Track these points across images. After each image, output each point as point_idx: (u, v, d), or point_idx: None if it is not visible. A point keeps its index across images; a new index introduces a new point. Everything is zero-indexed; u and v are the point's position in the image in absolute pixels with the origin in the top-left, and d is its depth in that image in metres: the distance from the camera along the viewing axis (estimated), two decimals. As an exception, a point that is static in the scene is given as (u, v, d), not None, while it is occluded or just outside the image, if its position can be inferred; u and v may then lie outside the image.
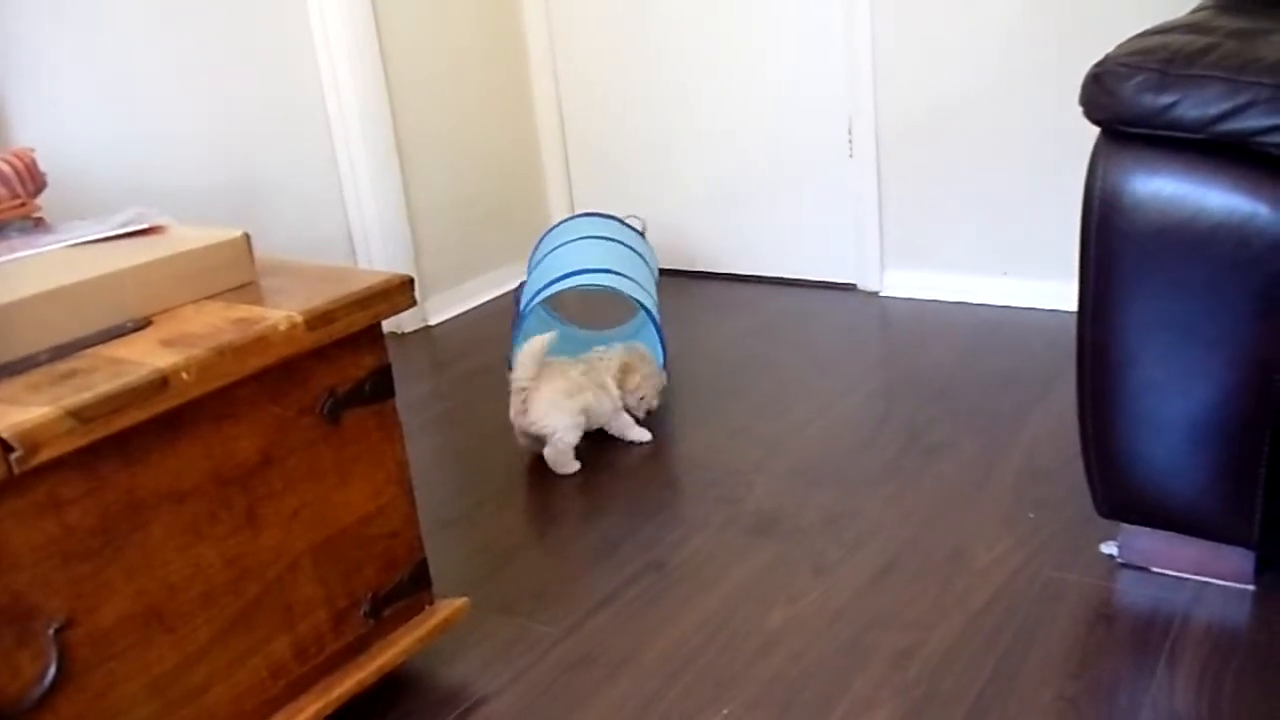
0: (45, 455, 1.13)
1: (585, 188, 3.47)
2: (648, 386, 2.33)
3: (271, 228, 2.75)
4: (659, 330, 2.42)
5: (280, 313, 1.36)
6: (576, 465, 2.22)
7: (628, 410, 2.33)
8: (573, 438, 2.19)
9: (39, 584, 1.17)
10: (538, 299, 2.37)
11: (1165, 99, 1.46)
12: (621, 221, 2.74)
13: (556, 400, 2.17)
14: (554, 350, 2.24)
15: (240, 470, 1.36)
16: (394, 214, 2.98)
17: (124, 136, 2.45)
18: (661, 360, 2.42)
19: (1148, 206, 1.51)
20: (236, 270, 1.48)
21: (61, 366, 1.25)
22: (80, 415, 1.16)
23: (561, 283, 2.35)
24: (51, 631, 1.19)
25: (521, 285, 2.64)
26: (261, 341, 1.32)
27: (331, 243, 2.94)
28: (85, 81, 2.37)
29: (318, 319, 1.37)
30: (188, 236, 1.50)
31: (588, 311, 2.89)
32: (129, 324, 1.36)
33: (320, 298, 1.40)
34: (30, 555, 1.16)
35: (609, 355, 2.32)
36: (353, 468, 1.48)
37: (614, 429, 2.31)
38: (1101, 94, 1.51)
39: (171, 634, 1.31)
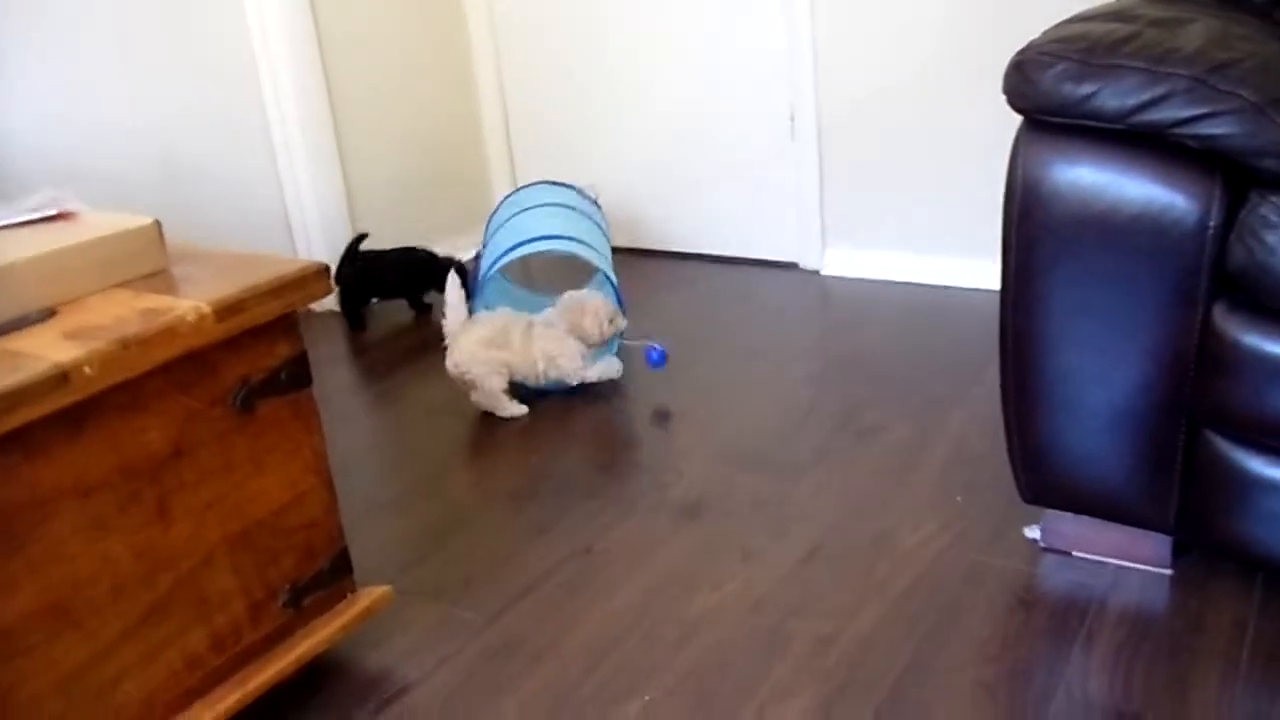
0: (-62, 453, 1.11)
1: (527, 164, 3.44)
2: (605, 316, 2.37)
3: (206, 209, 2.71)
4: (618, 294, 2.45)
5: (188, 303, 1.33)
6: (520, 409, 2.34)
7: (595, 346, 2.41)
8: (495, 383, 2.31)
9: (-65, 583, 1.15)
10: (500, 263, 2.39)
11: (1085, 89, 1.46)
12: (578, 190, 2.76)
13: (474, 349, 2.30)
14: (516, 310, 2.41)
15: (150, 462, 1.34)
16: (331, 192, 2.94)
17: (54, 117, 2.40)
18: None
19: (1067, 196, 1.51)
20: (147, 258, 1.46)
21: (-40, 360, 1.23)
22: (-25, 411, 1.13)
23: (523, 248, 2.39)
24: (-50, 630, 1.17)
25: (478, 255, 2.66)
26: (168, 333, 1.29)
27: (268, 222, 2.90)
28: (14, 61, 2.31)
29: (227, 309, 1.35)
30: (97, 223, 1.47)
31: (541, 278, 2.89)
32: (33, 314, 1.33)
33: (231, 287, 1.38)
34: (-75, 554, 1.14)
35: (559, 313, 2.37)
36: (268, 458, 1.47)
37: (587, 378, 2.40)
38: (1023, 83, 1.51)
39: (79, 629, 1.29)
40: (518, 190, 2.81)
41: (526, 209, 2.62)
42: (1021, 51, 1.51)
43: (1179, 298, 1.48)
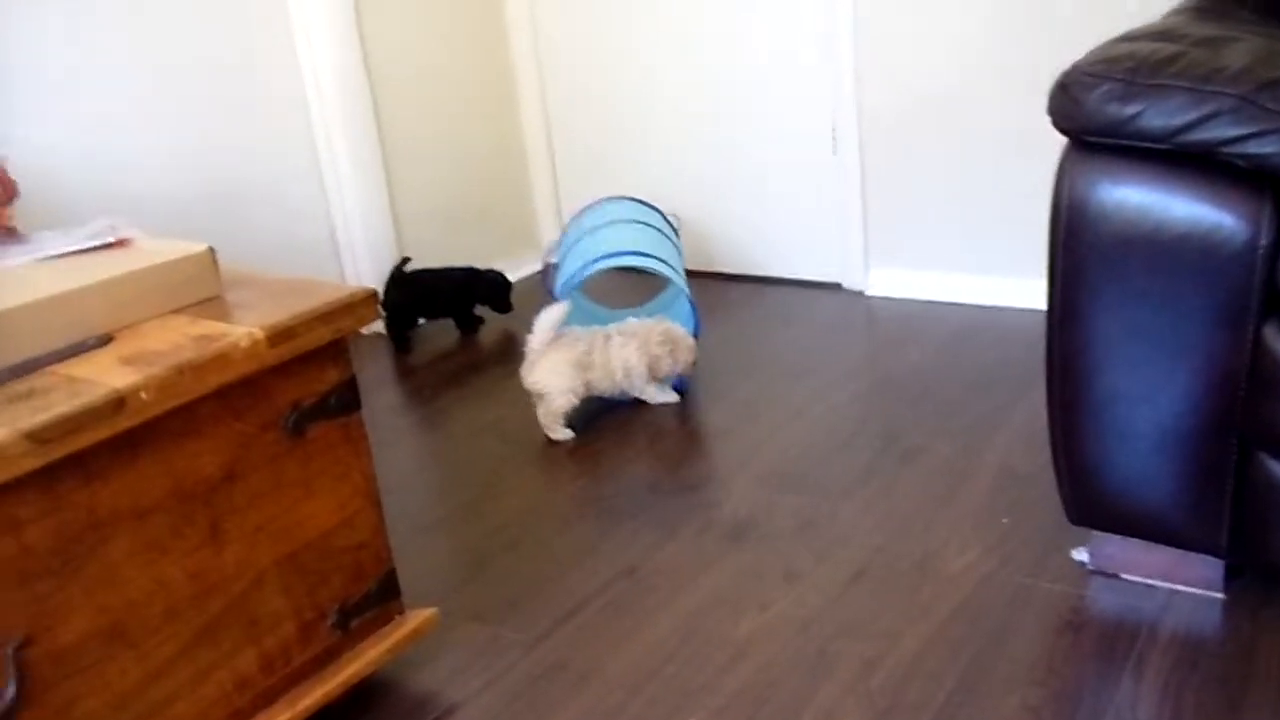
0: (0, 477, 1.14)
1: (571, 189, 3.46)
2: (684, 360, 2.45)
3: (255, 231, 2.75)
4: (695, 310, 2.52)
5: (242, 329, 1.36)
6: (567, 434, 2.37)
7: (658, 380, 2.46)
8: (563, 402, 2.35)
9: (-3, 604, 1.18)
10: (589, 270, 2.46)
11: (1130, 109, 1.45)
12: (662, 213, 2.86)
13: (558, 366, 2.34)
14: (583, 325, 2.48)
15: (203, 486, 1.36)
16: (378, 216, 2.98)
17: (105, 142, 2.45)
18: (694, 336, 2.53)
19: (1114, 216, 1.50)
20: (201, 284, 1.49)
21: (20, 386, 1.26)
22: (36, 437, 1.16)
23: (611, 260, 2.47)
24: (10, 650, 1.20)
25: (548, 267, 2.71)
26: (222, 359, 1.32)
27: (315, 245, 2.94)
28: (68, 87, 2.37)
29: (279, 335, 1.37)
30: (153, 250, 1.50)
31: (612, 294, 2.93)
32: (91, 340, 1.36)
33: (283, 312, 1.40)
34: (-13, 576, 1.17)
35: (645, 328, 2.42)
36: (318, 481, 1.49)
37: (645, 396, 2.47)
38: (1067, 103, 1.50)
39: (134, 650, 1.32)
40: (601, 201, 2.88)
41: (613, 222, 2.70)
42: (1066, 73, 1.51)
43: (1228, 318, 1.46)
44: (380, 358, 2.91)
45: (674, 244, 2.75)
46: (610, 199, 2.90)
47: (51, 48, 2.34)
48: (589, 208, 2.87)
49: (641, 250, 2.53)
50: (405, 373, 2.82)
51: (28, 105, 2.31)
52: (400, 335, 2.93)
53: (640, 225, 2.71)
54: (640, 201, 2.90)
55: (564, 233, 2.89)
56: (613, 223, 2.70)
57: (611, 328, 2.44)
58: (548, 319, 2.36)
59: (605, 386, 2.41)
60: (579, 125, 3.39)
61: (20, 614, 1.20)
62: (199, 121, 2.63)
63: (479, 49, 3.27)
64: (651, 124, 3.25)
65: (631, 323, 2.45)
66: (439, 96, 3.16)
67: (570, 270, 2.55)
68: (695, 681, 1.59)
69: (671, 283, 2.59)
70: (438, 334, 3.03)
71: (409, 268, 2.90)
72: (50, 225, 1.70)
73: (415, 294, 2.92)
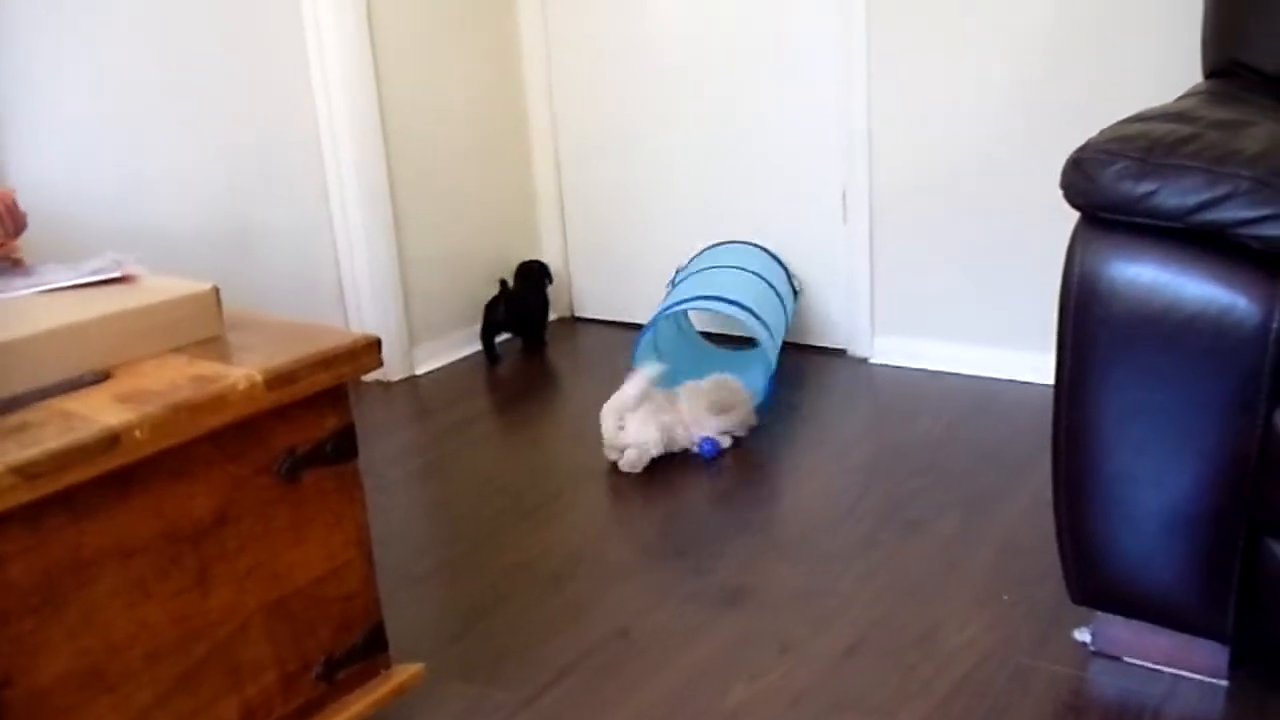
0: (-14, 511, 1.12)
1: (580, 242, 3.46)
2: (736, 419, 2.52)
3: (263, 271, 2.75)
4: (772, 377, 2.68)
5: (240, 371, 1.34)
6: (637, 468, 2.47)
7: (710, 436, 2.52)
8: (647, 456, 2.44)
9: (-26, 642, 1.15)
10: (677, 308, 2.67)
11: (1144, 187, 1.45)
12: (788, 272, 3.02)
13: (649, 421, 2.44)
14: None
15: (193, 528, 1.34)
16: (385, 261, 2.98)
17: (118, 179, 2.45)
18: (761, 397, 2.63)
19: (1125, 294, 1.49)
20: (203, 324, 1.47)
21: (14, 419, 1.24)
22: (25, 472, 1.14)
23: (704, 303, 2.66)
24: (-15, 690, 1.17)
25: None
26: (218, 400, 1.30)
27: (322, 287, 2.94)
28: (83, 122, 2.38)
29: (278, 379, 1.36)
30: (157, 287, 1.49)
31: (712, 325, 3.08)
32: (88, 376, 1.35)
33: (283, 356, 1.38)
34: (-34, 612, 1.14)
35: (706, 386, 2.53)
36: (310, 528, 1.46)
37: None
38: (1081, 180, 1.50)
39: (112, 694, 1.28)
40: (738, 244, 3.05)
41: (739, 268, 2.84)
42: (1080, 149, 1.51)
43: (1239, 401, 1.45)
44: (379, 403, 2.89)
45: (784, 307, 2.84)
46: (747, 245, 3.03)
47: (67, 83, 2.35)
48: (725, 244, 3.05)
49: (748, 306, 2.63)
50: (406, 420, 2.80)
51: (41, 139, 2.32)
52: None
53: (758, 279, 2.82)
54: (773, 256, 3.01)
55: (694, 257, 3.05)
56: (738, 269, 2.83)
57: (674, 390, 2.53)
58: (642, 379, 2.45)
59: (681, 439, 2.48)
60: (590, 182, 3.40)
61: (-2, 653, 1.18)
62: (212, 161, 2.64)
63: (493, 100, 3.29)
64: (663, 182, 3.26)
65: (690, 385, 2.53)
66: (452, 145, 3.17)
67: (676, 297, 2.71)
68: (685, 751, 1.55)
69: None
70: (442, 382, 3.01)
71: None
72: (58, 258, 1.69)
73: (517, 311, 3.24)
